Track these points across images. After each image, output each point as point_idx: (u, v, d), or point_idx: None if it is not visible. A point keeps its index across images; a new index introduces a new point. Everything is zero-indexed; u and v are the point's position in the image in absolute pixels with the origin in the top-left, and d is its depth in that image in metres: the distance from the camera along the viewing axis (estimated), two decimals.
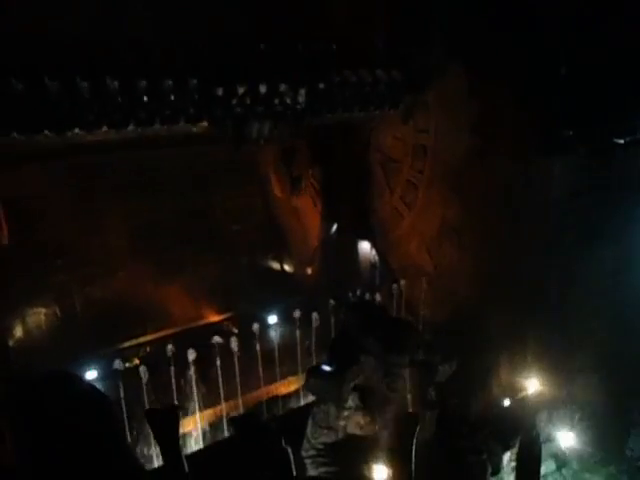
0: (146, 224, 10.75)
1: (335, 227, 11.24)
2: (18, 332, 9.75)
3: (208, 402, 8.12)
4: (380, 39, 8.72)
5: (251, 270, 11.89)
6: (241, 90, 6.96)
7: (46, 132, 6.26)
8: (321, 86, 7.70)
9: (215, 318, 10.96)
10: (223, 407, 8.12)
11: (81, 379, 4.49)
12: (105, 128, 6.53)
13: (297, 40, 7.69)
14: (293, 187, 11.63)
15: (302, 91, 7.47)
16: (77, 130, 6.37)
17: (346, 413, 6.34)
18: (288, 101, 7.45)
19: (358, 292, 10.62)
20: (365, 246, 11.27)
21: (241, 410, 8.20)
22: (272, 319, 10.37)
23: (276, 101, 7.36)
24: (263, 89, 7.12)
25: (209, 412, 8.18)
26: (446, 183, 9.20)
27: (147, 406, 7.23)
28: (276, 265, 12.68)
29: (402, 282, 9.58)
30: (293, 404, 8.63)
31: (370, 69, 8.14)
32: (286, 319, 9.69)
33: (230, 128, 7.33)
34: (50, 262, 9.84)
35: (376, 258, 11.04)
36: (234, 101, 7.02)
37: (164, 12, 7.88)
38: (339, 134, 10.58)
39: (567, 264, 7.87)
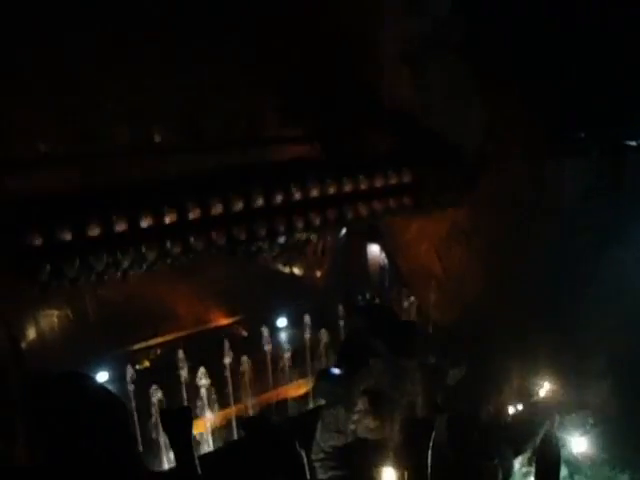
0: None
1: (344, 230, 11.23)
2: (30, 334, 9.84)
3: (218, 405, 8.15)
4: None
5: (260, 273, 11.90)
6: (261, 244, 7.41)
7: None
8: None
9: (225, 321, 10.98)
10: (233, 410, 8.15)
11: (93, 380, 4.53)
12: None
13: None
14: None
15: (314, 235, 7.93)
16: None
17: (355, 417, 6.32)
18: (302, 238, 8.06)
19: (367, 295, 10.61)
20: (374, 249, 11.25)
21: (251, 412, 8.22)
22: (281, 322, 10.39)
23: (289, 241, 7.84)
24: (281, 240, 7.54)
25: (219, 414, 8.20)
26: None
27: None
28: (285, 268, 12.69)
29: (411, 285, 9.55)
30: (302, 407, 8.63)
31: (383, 199, 8.17)
32: (295, 322, 9.70)
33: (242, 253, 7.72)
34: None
35: (385, 261, 11.02)
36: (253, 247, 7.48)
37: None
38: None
39: (580, 266, 7.80)
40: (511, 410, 7.59)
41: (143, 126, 8.73)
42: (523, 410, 7.58)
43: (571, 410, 7.70)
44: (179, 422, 4.35)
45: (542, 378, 7.96)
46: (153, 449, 7.57)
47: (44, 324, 10.02)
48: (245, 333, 10.62)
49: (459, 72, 8.36)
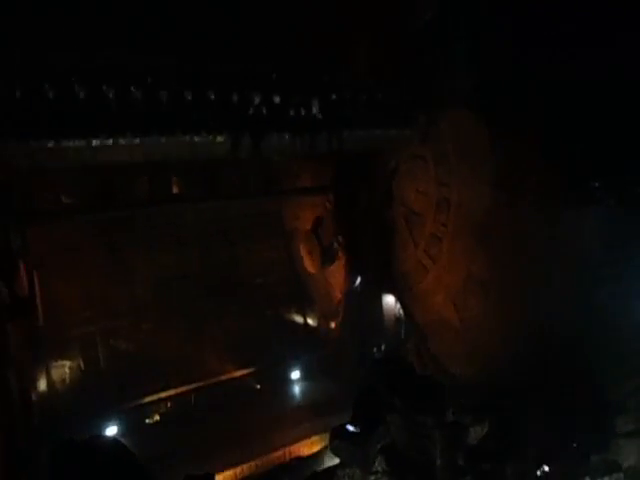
0: (171, 278, 10.89)
1: (359, 280, 11.15)
2: (42, 385, 9.75)
3: (228, 462, 7.85)
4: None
5: (274, 324, 11.77)
6: (257, 99, 7.19)
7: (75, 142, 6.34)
8: (333, 96, 7.97)
9: (237, 373, 10.78)
10: (244, 468, 7.84)
11: (124, 447, 4.57)
12: (129, 135, 6.62)
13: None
14: (325, 258, 11.72)
15: (315, 101, 7.71)
16: (103, 139, 6.44)
17: (372, 478, 6.01)
18: (302, 112, 7.65)
19: (383, 347, 10.38)
20: (390, 300, 11.10)
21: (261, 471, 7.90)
22: (295, 374, 10.17)
23: (291, 112, 7.55)
24: (277, 99, 7.35)
25: (229, 473, 7.89)
26: (471, 236, 9.10)
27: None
28: (299, 319, 12.55)
29: (428, 337, 9.32)
30: (316, 466, 8.26)
31: (382, 87, 8.41)
32: (309, 374, 9.49)
33: (248, 140, 7.40)
34: (76, 314, 9.96)
35: (401, 312, 10.83)
36: (250, 110, 7.19)
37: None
38: (362, 184, 10.84)
39: (604, 320, 7.54)
40: (538, 472, 7.16)
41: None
42: (551, 472, 7.13)
43: (601, 473, 7.24)
44: None
45: (570, 436, 7.54)
46: None
47: (56, 375, 9.93)
48: (258, 386, 10.39)
49: (471, 122, 8.50)
